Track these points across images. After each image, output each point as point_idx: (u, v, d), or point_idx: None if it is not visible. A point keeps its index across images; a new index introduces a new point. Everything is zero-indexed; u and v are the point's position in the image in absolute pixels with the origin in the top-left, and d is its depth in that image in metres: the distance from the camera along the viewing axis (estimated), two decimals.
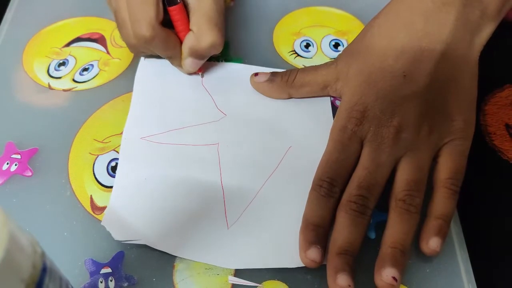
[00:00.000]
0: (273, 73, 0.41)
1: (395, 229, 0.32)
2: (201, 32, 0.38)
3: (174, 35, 0.39)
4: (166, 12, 0.38)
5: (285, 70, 0.41)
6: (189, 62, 0.40)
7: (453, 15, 0.35)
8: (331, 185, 0.33)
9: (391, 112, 0.34)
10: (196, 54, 0.39)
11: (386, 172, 0.33)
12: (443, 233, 0.32)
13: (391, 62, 0.36)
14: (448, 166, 0.34)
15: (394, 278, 0.30)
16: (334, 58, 0.41)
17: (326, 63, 0.40)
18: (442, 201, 0.33)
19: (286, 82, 0.40)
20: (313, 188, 0.34)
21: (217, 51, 0.39)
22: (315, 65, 0.40)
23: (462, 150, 0.34)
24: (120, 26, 0.39)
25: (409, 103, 0.34)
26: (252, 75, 0.41)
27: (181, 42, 0.39)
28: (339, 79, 0.38)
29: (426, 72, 0.35)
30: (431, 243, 0.32)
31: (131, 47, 0.40)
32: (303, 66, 0.44)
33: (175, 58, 0.40)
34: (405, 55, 0.36)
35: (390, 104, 0.34)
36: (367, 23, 0.39)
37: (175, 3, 0.38)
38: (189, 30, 0.39)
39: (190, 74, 0.42)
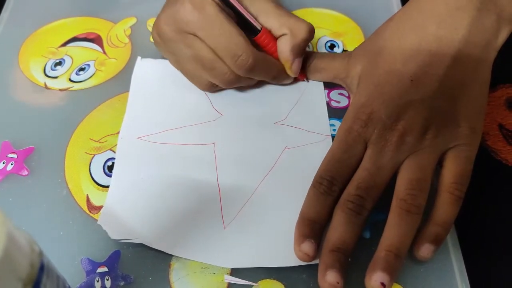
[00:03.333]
0: None
1: (393, 231, 0.31)
2: (293, 27, 0.38)
3: (268, 55, 0.39)
4: None
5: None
6: (296, 63, 0.40)
7: (467, 19, 0.34)
8: (331, 183, 0.33)
9: (396, 116, 0.34)
10: (299, 50, 0.39)
11: (387, 175, 0.33)
12: (439, 241, 0.32)
13: (399, 66, 0.35)
14: (452, 170, 0.33)
15: (382, 284, 0.30)
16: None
17: (341, 55, 0.41)
18: (444, 207, 0.32)
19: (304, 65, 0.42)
20: (313, 185, 0.34)
21: (313, 35, 0.39)
22: (332, 54, 0.42)
23: (467, 156, 0.34)
24: (208, 68, 0.38)
25: (415, 108, 0.34)
26: None
27: (277, 60, 0.40)
28: (348, 74, 0.39)
29: (435, 77, 0.34)
30: (423, 250, 0.32)
31: (227, 82, 0.39)
32: None
33: (279, 75, 0.40)
34: (413, 59, 0.35)
35: (396, 108, 0.34)
36: (383, 23, 0.39)
37: (258, 31, 0.38)
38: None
39: (293, 82, 0.42)
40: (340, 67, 0.40)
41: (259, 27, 0.38)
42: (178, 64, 0.41)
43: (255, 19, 0.38)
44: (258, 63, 0.37)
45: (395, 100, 0.34)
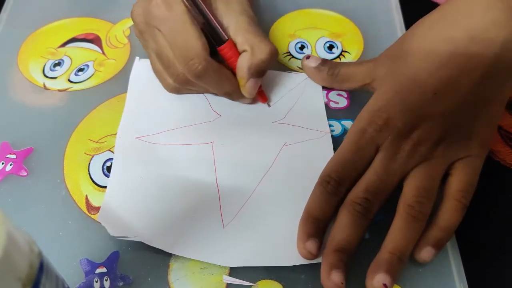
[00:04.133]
0: (323, 61, 0.42)
1: (398, 235, 0.32)
2: (255, 46, 0.37)
3: (226, 69, 0.38)
4: (215, 54, 0.38)
5: (331, 60, 0.43)
6: (251, 83, 0.38)
7: (502, 37, 0.32)
8: (338, 183, 0.33)
9: (413, 126, 0.33)
10: (257, 70, 0.38)
11: (395, 181, 0.33)
12: (440, 245, 0.33)
13: (425, 76, 0.34)
14: (460, 179, 0.34)
15: (384, 285, 0.30)
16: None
17: (366, 61, 0.40)
18: (449, 213, 0.33)
19: (331, 76, 0.41)
20: (320, 183, 0.34)
21: (275, 58, 0.39)
22: (357, 62, 0.42)
23: (475, 167, 0.34)
24: (166, 66, 0.38)
25: (434, 121, 0.33)
26: (304, 57, 0.43)
27: (235, 77, 0.39)
28: (374, 79, 0.38)
29: (460, 93, 0.33)
30: (424, 253, 0.32)
31: (181, 83, 0.39)
32: (298, 68, 0.44)
33: (233, 92, 0.40)
34: (440, 71, 0.34)
35: (414, 118, 0.33)
36: (412, 26, 0.38)
37: (223, 42, 0.37)
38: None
39: (252, 103, 0.41)
40: (366, 72, 0.39)
41: (224, 38, 0.37)
42: (150, 60, 0.41)
43: (225, 30, 0.38)
44: (208, 72, 0.36)
45: (415, 110, 0.34)
